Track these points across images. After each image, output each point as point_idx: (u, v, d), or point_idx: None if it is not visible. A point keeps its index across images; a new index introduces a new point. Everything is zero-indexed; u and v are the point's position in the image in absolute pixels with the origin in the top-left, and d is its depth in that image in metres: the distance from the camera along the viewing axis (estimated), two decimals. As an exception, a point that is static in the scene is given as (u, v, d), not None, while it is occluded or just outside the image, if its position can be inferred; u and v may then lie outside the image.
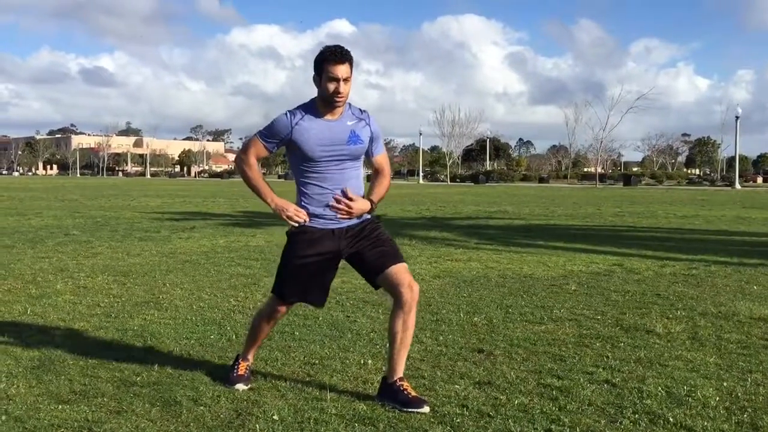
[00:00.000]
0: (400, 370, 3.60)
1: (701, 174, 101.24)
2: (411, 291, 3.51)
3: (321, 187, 3.58)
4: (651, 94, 76.00)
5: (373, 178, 3.84)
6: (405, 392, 3.50)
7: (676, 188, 57.09)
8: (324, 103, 3.55)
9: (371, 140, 3.67)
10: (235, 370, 3.89)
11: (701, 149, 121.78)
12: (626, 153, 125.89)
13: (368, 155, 3.73)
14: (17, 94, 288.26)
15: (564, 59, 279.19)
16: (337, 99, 3.50)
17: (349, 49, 3.52)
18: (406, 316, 3.53)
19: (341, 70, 3.46)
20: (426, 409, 3.44)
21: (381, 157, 3.79)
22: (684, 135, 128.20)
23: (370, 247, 3.61)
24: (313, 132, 3.52)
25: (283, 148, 3.66)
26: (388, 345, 3.68)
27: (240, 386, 3.79)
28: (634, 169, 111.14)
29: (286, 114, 3.59)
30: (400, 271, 3.55)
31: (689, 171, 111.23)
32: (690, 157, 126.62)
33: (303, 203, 3.62)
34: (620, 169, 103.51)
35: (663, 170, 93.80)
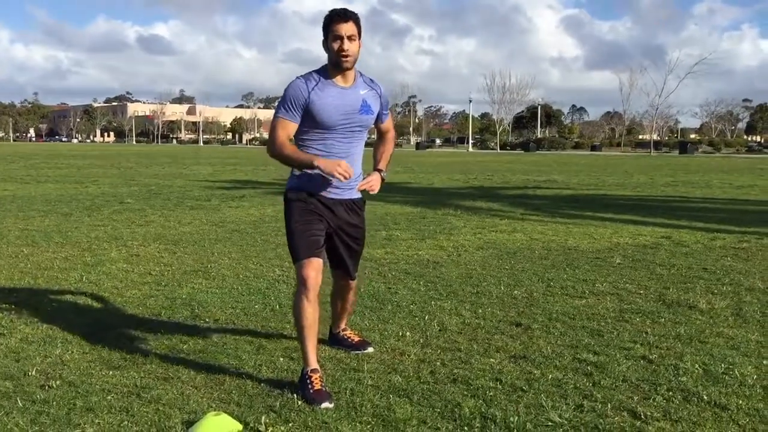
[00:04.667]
0: (343, 324, 4.19)
1: (762, 141, 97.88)
2: (349, 289, 4.03)
3: (327, 155, 3.50)
4: (712, 58, 73.94)
5: (378, 143, 3.92)
6: (349, 339, 4.14)
7: (735, 156, 55.42)
8: (334, 67, 3.49)
9: (381, 109, 3.72)
10: (310, 385, 3.38)
11: (763, 115, 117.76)
12: (684, 120, 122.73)
13: (376, 122, 3.78)
14: (76, 62, 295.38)
15: (622, 22, 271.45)
16: (343, 57, 3.42)
17: (355, 11, 3.47)
18: (345, 297, 4.07)
19: (345, 28, 3.42)
20: (369, 350, 4.07)
21: (388, 122, 3.91)
22: (745, 101, 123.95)
23: (346, 248, 3.77)
24: (330, 98, 3.47)
25: None
26: (330, 307, 4.15)
27: (326, 404, 3.26)
28: (692, 136, 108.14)
29: (299, 78, 3.50)
30: (351, 282, 3.99)
31: (749, 138, 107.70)
32: (751, 124, 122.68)
33: (305, 172, 3.53)
34: (677, 136, 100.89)
35: (721, 137, 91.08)
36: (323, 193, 3.60)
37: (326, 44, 3.48)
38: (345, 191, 3.65)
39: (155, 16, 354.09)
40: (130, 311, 4.98)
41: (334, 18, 3.44)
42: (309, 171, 3.50)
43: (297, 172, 3.60)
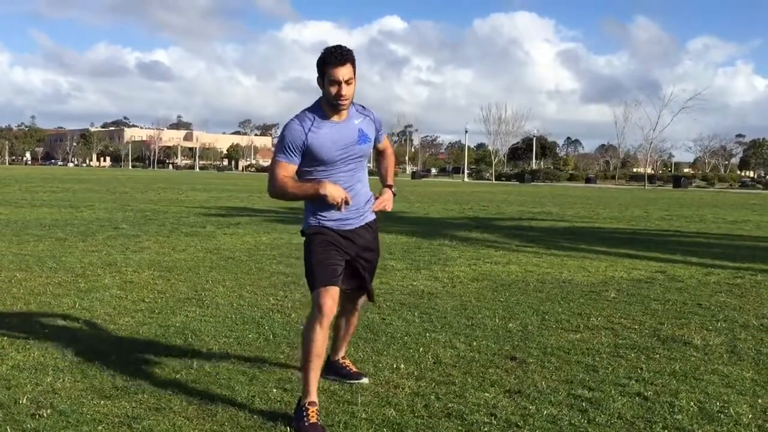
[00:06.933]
0: (342, 352, 4.19)
1: (755, 176, 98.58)
2: (356, 311, 4.05)
3: None
4: (706, 94, 74.79)
5: (380, 161, 4.01)
6: (347, 368, 4.14)
7: (728, 191, 55.73)
8: (329, 107, 3.51)
9: (376, 133, 3.77)
10: (305, 418, 3.38)
11: (756, 151, 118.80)
12: (678, 154, 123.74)
13: (374, 144, 3.83)
14: (76, 86, 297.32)
15: (617, 56, 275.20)
16: (340, 102, 3.45)
17: (350, 49, 3.44)
18: (350, 320, 4.06)
19: (342, 73, 3.39)
20: (365, 380, 4.05)
21: (384, 141, 3.96)
22: (738, 136, 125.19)
23: (365, 270, 3.78)
24: (326, 136, 3.49)
25: None
26: (332, 333, 4.03)
27: None
28: (686, 170, 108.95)
29: (295, 120, 3.52)
30: (361, 300, 3.98)
31: (743, 173, 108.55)
32: (744, 159, 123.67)
33: (314, 208, 3.60)
34: (671, 170, 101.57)
35: (715, 172, 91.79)
36: (339, 227, 3.63)
37: (321, 82, 3.48)
38: (359, 218, 3.69)
39: (156, 42, 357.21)
40: (122, 339, 4.94)
41: (331, 61, 3.40)
42: (318, 210, 3.58)
43: (312, 218, 3.63)
